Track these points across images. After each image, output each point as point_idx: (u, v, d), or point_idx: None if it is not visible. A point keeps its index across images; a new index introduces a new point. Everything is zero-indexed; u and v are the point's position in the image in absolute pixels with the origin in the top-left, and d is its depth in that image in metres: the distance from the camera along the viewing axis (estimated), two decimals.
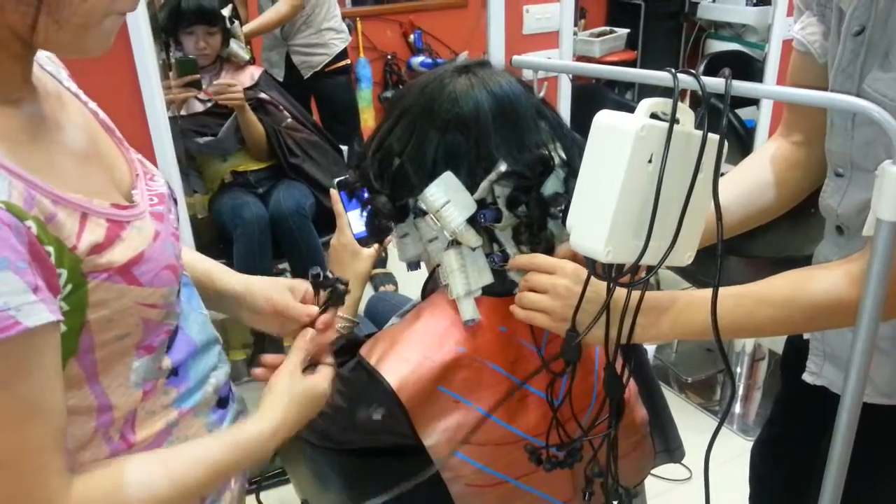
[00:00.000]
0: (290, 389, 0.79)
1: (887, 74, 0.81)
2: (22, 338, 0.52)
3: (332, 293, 0.87)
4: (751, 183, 1.07)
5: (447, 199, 0.84)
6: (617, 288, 0.79)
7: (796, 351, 1.16)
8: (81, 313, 0.61)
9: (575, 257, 0.86)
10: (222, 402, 0.83)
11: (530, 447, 0.91)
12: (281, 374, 0.81)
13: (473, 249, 0.88)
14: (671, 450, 1.12)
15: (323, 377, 0.83)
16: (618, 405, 0.86)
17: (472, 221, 0.86)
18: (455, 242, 0.88)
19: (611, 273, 0.79)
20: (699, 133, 0.72)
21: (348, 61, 3.02)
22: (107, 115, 0.78)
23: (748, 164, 1.11)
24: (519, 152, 0.85)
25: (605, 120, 0.74)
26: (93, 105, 0.77)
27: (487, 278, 0.90)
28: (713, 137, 0.72)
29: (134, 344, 0.68)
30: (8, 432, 0.55)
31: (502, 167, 0.84)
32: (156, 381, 0.72)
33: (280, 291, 0.89)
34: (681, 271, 1.83)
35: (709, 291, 0.76)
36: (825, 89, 0.92)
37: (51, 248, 0.56)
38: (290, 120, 2.36)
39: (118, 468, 0.65)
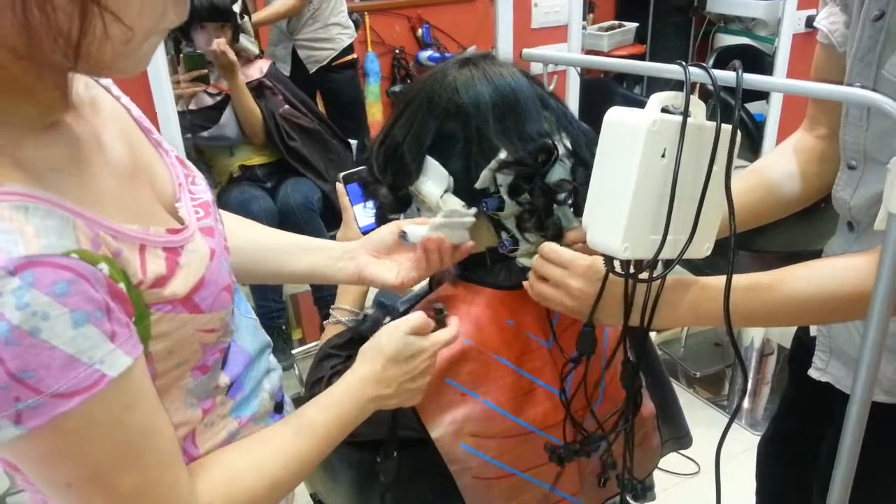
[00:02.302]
0: (383, 339, 0.79)
1: None
2: (114, 384, 0.52)
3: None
4: (775, 173, 1.07)
5: (427, 178, 0.87)
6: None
7: (803, 347, 1.15)
8: (144, 345, 0.59)
9: (586, 244, 0.86)
10: (278, 408, 0.82)
11: (550, 447, 0.92)
12: (382, 330, 0.80)
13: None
14: (679, 437, 1.12)
15: (432, 342, 0.80)
16: (634, 398, 0.87)
17: (470, 202, 0.87)
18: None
19: (629, 269, 0.79)
20: (711, 124, 0.71)
21: (355, 56, 3.02)
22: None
23: (772, 156, 1.11)
24: (520, 140, 0.85)
25: (616, 116, 0.73)
26: (125, 100, 0.72)
27: (457, 204, 0.88)
28: (726, 127, 0.71)
29: (190, 367, 0.67)
30: (137, 463, 0.56)
31: (502, 155, 0.84)
32: (213, 398, 0.71)
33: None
34: (688, 266, 1.81)
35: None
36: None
37: (122, 285, 0.55)
38: (286, 106, 2.36)
39: (223, 459, 0.68)
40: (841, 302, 0.80)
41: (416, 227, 0.88)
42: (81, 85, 0.64)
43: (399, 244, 0.91)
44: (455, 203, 0.87)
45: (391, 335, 0.79)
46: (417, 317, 0.80)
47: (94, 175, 0.58)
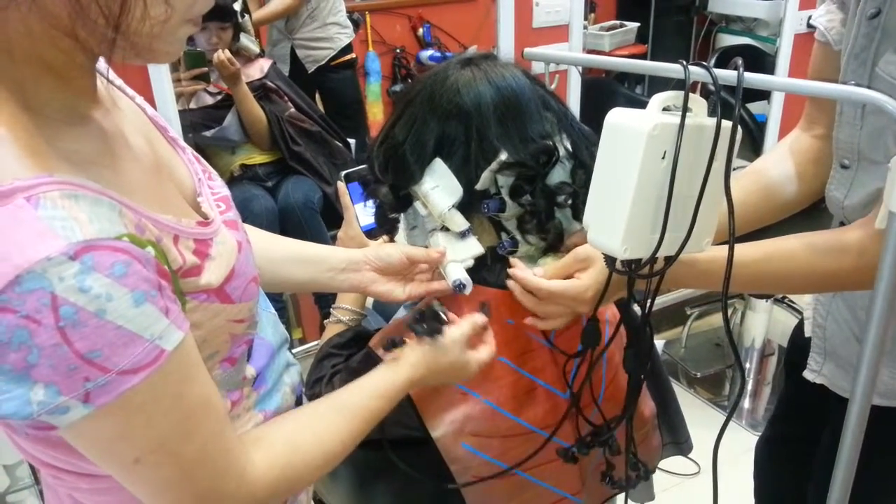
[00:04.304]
0: (449, 354, 0.82)
1: None
2: (171, 357, 0.54)
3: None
4: (773, 176, 1.06)
5: (435, 184, 0.86)
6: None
7: (799, 348, 1.15)
8: None
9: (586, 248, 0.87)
10: (299, 402, 0.83)
11: (561, 451, 0.92)
12: (451, 334, 0.83)
13: (464, 236, 0.88)
14: (679, 442, 1.12)
15: (476, 361, 0.84)
16: (636, 383, 0.88)
17: (466, 208, 0.87)
18: (444, 228, 0.89)
19: (630, 266, 0.79)
20: (712, 122, 0.71)
21: (353, 55, 3.02)
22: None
23: (768, 158, 1.11)
24: (521, 142, 0.85)
25: (617, 119, 0.73)
26: (140, 100, 0.74)
27: (477, 250, 0.89)
28: (726, 125, 0.71)
29: (220, 359, 0.68)
30: (198, 432, 0.59)
31: (503, 157, 0.84)
32: (241, 390, 0.73)
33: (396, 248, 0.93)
34: None
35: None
36: None
37: (166, 267, 0.57)
38: (292, 110, 2.36)
39: (283, 430, 0.71)
40: (818, 279, 0.84)
41: (462, 270, 0.88)
42: (101, 84, 0.65)
43: (404, 263, 0.90)
44: (459, 221, 0.87)
45: (454, 352, 0.82)
46: (469, 330, 0.84)
47: (125, 168, 0.60)
